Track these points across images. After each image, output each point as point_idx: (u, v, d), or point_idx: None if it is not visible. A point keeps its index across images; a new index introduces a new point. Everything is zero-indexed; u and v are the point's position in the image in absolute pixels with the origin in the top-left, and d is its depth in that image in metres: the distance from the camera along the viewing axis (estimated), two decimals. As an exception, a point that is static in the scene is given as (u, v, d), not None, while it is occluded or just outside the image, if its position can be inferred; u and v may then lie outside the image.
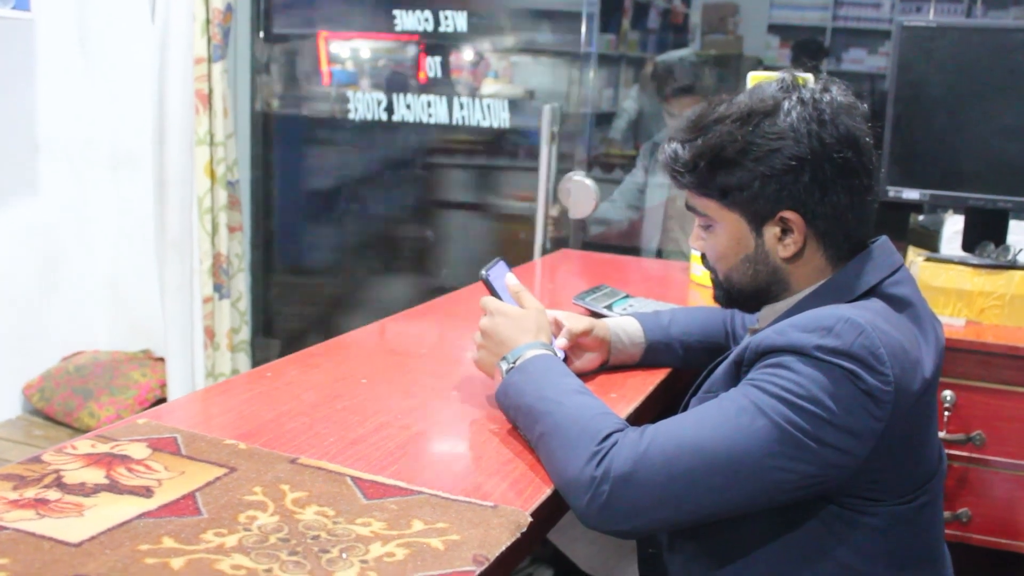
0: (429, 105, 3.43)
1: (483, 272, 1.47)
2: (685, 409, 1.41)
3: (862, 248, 1.31)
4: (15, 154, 3.34)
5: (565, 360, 1.56)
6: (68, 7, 3.47)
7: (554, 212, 2.90)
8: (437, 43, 3.48)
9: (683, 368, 1.69)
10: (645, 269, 2.55)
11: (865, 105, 1.31)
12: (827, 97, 1.27)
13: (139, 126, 3.46)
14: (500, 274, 1.50)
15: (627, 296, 2.02)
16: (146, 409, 3.26)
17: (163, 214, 3.28)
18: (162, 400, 3.37)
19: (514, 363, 1.34)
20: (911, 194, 2.25)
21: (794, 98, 1.26)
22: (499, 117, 3.40)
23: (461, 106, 3.41)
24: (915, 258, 2.23)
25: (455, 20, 3.41)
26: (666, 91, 2.80)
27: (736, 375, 1.26)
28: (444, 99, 3.42)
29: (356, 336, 1.81)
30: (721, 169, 1.27)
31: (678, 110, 2.47)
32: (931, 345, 1.27)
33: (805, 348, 1.16)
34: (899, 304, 1.27)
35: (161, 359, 3.50)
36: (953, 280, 2.15)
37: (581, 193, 2.72)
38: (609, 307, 1.92)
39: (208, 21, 3.15)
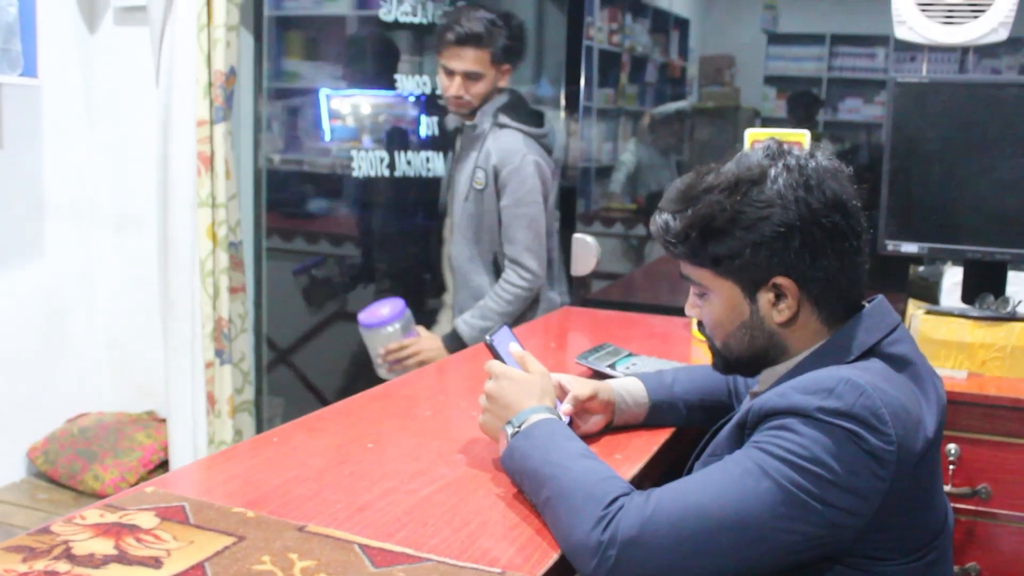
0: (428, 160, 3.48)
1: (488, 338, 1.48)
2: (690, 472, 1.41)
3: (858, 308, 1.33)
4: (21, 215, 3.37)
5: (570, 424, 1.56)
6: (74, 73, 3.53)
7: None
8: (434, 106, 3.54)
9: (687, 427, 1.70)
10: (647, 326, 2.56)
11: (850, 168, 1.33)
12: (812, 163, 1.29)
13: (143, 188, 3.49)
14: (504, 340, 1.51)
15: (630, 355, 2.03)
16: (151, 471, 3.28)
17: (166, 276, 3.30)
18: (166, 462, 3.36)
19: (519, 427, 1.35)
20: (909, 247, 2.27)
21: (780, 165, 1.28)
22: None
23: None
24: (915, 311, 2.24)
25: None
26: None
27: (739, 438, 1.27)
28: (441, 154, 3.47)
29: (361, 399, 1.82)
30: (712, 239, 1.30)
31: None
32: (932, 404, 1.28)
33: (807, 410, 1.17)
34: (899, 363, 1.28)
35: (165, 420, 3.50)
36: (954, 333, 2.16)
37: (582, 250, 2.74)
38: (612, 366, 1.93)
39: (210, 84, 3.20)
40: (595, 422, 1.63)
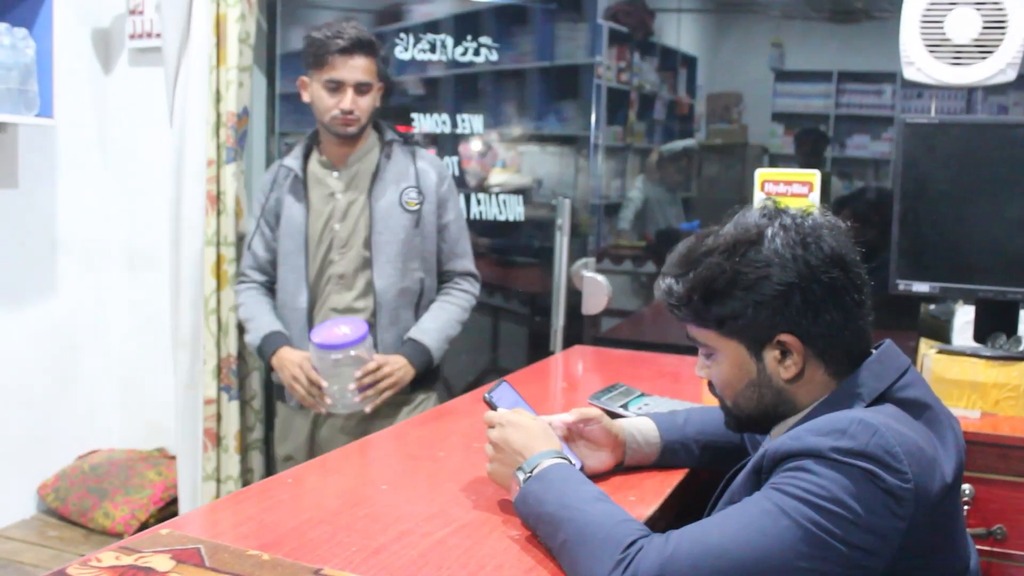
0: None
1: (486, 395, 1.49)
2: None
3: (865, 356, 1.33)
4: (34, 253, 3.39)
5: (581, 469, 1.57)
6: (89, 113, 3.57)
7: None
8: (451, 144, 3.57)
9: (699, 468, 1.70)
10: (659, 365, 2.56)
11: (848, 223, 1.34)
12: (809, 220, 1.31)
13: (156, 227, 3.52)
14: (504, 396, 1.52)
15: (642, 395, 2.03)
16: (161, 509, 3.27)
17: (177, 313, 3.32)
18: (176, 499, 3.36)
19: (531, 472, 1.36)
20: (920, 287, 2.28)
21: (777, 225, 1.30)
22: (514, 211, 3.46)
23: (479, 201, 3.49)
24: (927, 350, 2.24)
25: (472, 123, 3.50)
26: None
27: (756, 483, 1.27)
28: (461, 195, 3.48)
29: (375, 440, 1.83)
30: (714, 301, 1.32)
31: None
32: (950, 447, 1.28)
33: (821, 451, 1.17)
34: (913, 408, 1.28)
35: (175, 457, 3.50)
36: (967, 372, 2.16)
37: (593, 289, 2.75)
38: (625, 406, 1.93)
39: (220, 124, 3.23)
40: (603, 459, 1.63)
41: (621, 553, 1.17)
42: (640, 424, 1.69)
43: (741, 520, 1.17)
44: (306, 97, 2.58)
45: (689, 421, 1.71)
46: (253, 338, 2.64)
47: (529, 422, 1.45)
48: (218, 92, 3.23)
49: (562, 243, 3.03)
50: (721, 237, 1.33)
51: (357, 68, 2.50)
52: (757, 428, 1.42)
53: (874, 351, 1.34)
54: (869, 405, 1.28)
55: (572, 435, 1.62)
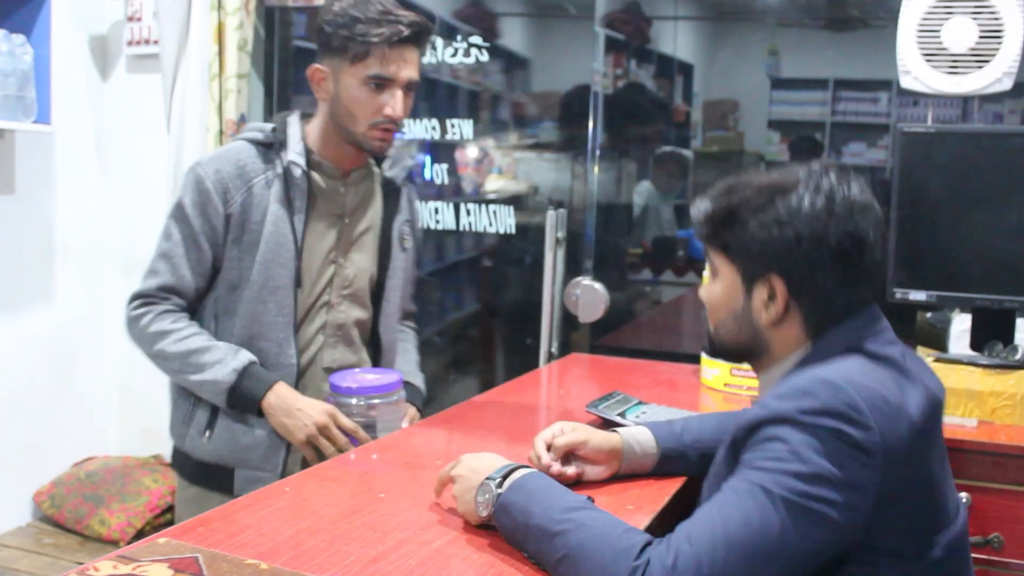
0: (437, 211, 3.48)
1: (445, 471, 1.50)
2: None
3: (848, 314, 1.37)
4: (31, 260, 3.39)
5: (575, 481, 1.58)
6: (86, 120, 3.57)
7: None
8: (444, 151, 3.56)
9: (698, 475, 1.70)
10: (655, 373, 2.56)
11: (880, 209, 1.39)
12: (843, 192, 1.35)
13: (152, 233, 3.50)
14: None
15: (640, 403, 2.03)
16: (157, 516, 3.26)
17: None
18: (172, 507, 3.35)
19: (501, 480, 1.35)
20: (917, 295, 2.28)
21: (812, 184, 1.36)
22: (505, 223, 3.44)
23: (468, 212, 3.47)
24: (924, 358, 2.24)
25: (461, 128, 3.49)
26: None
27: (734, 456, 1.30)
28: (451, 205, 3.48)
29: (371, 448, 1.82)
30: (729, 224, 1.40)
31: None
32: (920, 391, 1.31)
33: (787, 415, 1.22)
34: (879, 360, 1.32)
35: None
36: (963, 381, 2.16)
37: (590, 297, 2.75)
38: (623, 415, 1.93)
39: (221, 132, 3.23)
40: (600, 472, 1.63)
41: (634, 562, 1.17)
42: (637, 433, 1.69)
43: (726, 508, 1.19)
44: (323, 93, 1.99)
45: (687, 429, 1.71)
46: (220, 373, 1.91)
47: (481, 453, 1.46)
48: (220, 101, 3.23)
49: (556, 256, 2.98)
50: (763, 176, 1.41)
51: (412, 63, 1.96)
52: (728, 358, 1.52)
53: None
54: (837, 356, 1.32)
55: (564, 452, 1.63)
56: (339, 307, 2.07)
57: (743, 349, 1.45)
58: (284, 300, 1.98)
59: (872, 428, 1.20)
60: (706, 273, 1.50)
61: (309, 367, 2.07)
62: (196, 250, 1.96)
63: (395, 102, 1.94)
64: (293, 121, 2.03)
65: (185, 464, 2.08)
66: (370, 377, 1.96)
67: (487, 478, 1.37)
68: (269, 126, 2.02)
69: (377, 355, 2.18)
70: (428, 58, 3.46)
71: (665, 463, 1.68)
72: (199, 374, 1.93)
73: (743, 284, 1.40)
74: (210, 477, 2.04)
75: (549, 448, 1.60)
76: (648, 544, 1.20)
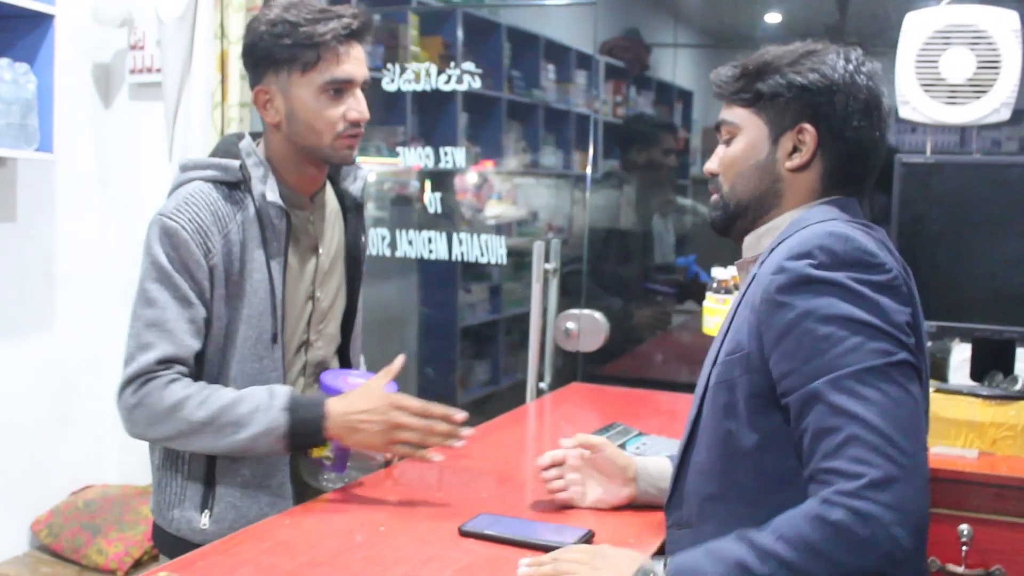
0: (430, 241, 3.47)
1: (463, 527, 1.52)
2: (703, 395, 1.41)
3: (856, 185, 1.42)
4: (32, 288, 3.39)
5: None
6: (88, 147, 3.58)
7: None
8: (439, 179, 3.56)
9: None
10: (654, 403, 2.56)
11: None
12: (869, 66, 1.41)
13: (154, 260, 3.52)
14: (484, 525, 1.53)
15: (640, 434, 2.03)
16: (155, 546, 3.24)
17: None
18: (171, 535, 3.34)
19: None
20: (918, 325, 2.28)
21: (842, 52, 1.40)
22: (496, 253, 3.43)
23: (460, 242, 3.46)
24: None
25: (454, 156, 3.49)
26: None
27: (763, 313, 1.28)
28: (444, 235, 3.47)
29: (372, 479, 1.82)
30: (763, 76, 1.41)
31: None
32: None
33: (814, 276, 1.24)
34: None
35: (171, 492, 3.49)
36: (964, 412, 2.16)
37: (590, 327, 2.74)
38: (623, 447, 1.93)
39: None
40: (617, 493, 1.65)
41: (848, 521, 1.13)
42: (655, 460, 1.69)
43: (853, 416, 1.17)
44: (273, 115, 1.77)
45: None
46: (270, 419, 1.66)
47: (595, 549, 1.37)
48: (222, 128, 3.25)
49: (546, 288, 2.94)
50: (793, 44, 1.43)
51: (363, 60, 1.78)
52: (742, 220, 1.46)
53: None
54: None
55: (580, 466, 1.63)
56: (316, 344, 1.90)
57: (758, 200, 1.43)
58: (276, 353, 1.79)
59: (889, 267, 1.25)
60: (720, 147, 1.48)
61: None
62: (188, 308, 1.71)
63: (359, 104, 1.76)
64: (251, 149, 1.78)
65: (178, 550, 1.65)
66: (361, 382, 1.79)
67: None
68: (233, 163, 1.75)
69: None
70: (423, 84, 3.47)
71: None
72: (244, 430, 1.65)
73: (770, 135, 1.41)
74: None
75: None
76: (825, 501, 1.15)
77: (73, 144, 3.45)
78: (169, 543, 1.81)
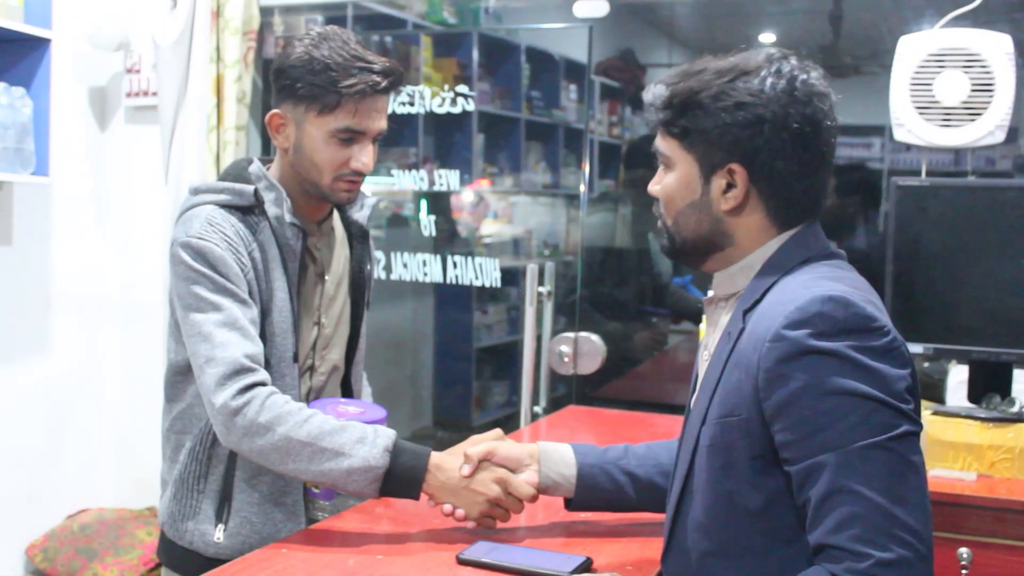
0: (425, 264, 3.46)
1: (461, 555, 1.50)
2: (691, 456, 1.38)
3: (809, 213, 1.37)
4: (28, 311, 3.39)
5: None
6: (84, 170, 3.58)
7: None
8: (434, 202, 3.56)
9: (627, 505, 1.68)
10: (650, 425, 2.55)
11: (839, 97, 1.39)
12: (804, 77, 1.34)
13: (150, 284, 3.52)
14: (482, 553, 1.52)
15: (638, 458, 2.02)
16: (151, 570, 3.23)
17: (172, 371, 3.29)
18: (167, 559, 3.32)
19: None
20: (914, 348, 2.28)
21: (774, 68, 1.33)
22: (491, 276, 3.42)
23: (454, 265, 3.45)
24: (922, 412, 2.24)
25: (448, 179, 3.50)
26: None
27: (763, 382, 1.25)
28: (439, 258, 3.46)
29: (367, 506, 1.81)
30: (689, 110, 1.35)
31: None
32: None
33: (813, 347, 1.20)
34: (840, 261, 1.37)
35: (167, 516, 3.48)
36: (962, 434, 2.16)
37: (588, 349, 2.74)
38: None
39: (220, 182, 3.25)
40: (525, 479, 1.64)
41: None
42: (556, 447, 1.68)
43: (864, 487, 1.16)
44: (284, 141, 1.79)
45: (612, 448, 1.70)
46: (370, 456, 1.59)
47: None
48: (217, 151, 3.25)
49: (539, 311, 2.93)
50: (722, 61, 1.37)
51: (383, 112, 1.79)
52: (691, 257, 1.43)
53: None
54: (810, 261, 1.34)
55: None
56: (320, 370, 1.90)
57: (703, 242, 1.39)
58: (291, 376, 1.79)
59: (890, 331, 1.23)
60: (659, 173, 1.43)
61: None
62: (249, 309, 1.70)
63: (364, 155, 1.76)
64: (262, 173, 1.79)
65: (188, 563, 1.76)
66: (352, 410, 1.75)
67: None
68: (247, 188, 1.76)
69: None
70: (416, 107, 3.48)
71: (587, 479, 1.66)
72: (344, 461, 1.59)
73: (701, 173, 1.36)
74: None
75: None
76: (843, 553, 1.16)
77: (69, 167, 3.45)
78: (178, 556, 1.81)
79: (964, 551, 2.00)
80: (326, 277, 1.89)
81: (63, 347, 3.52)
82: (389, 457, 1.60)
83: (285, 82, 1.74)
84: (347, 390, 1.99)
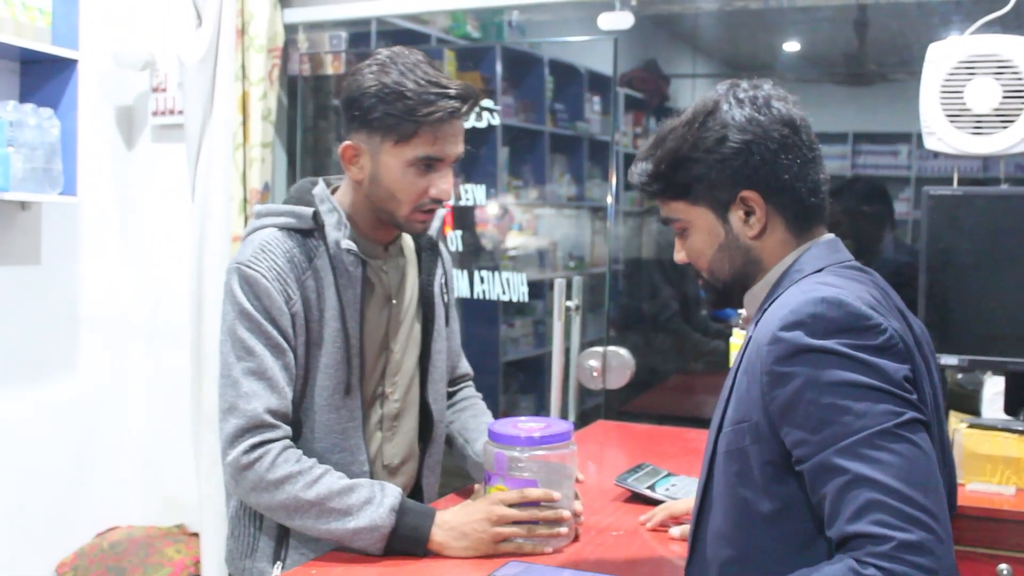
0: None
1: None
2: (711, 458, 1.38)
3: (819, 216, 1.40)
4: (56, 330, 3.40)
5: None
6: (111, 189, 3.60)
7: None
8: (459, 216, 3.55)
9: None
10: (682, 440, 2.52)
11: (796, 97, 1.41)
12: (760, 91, 1.39)
13: (176, 302, 3.53)
14: (513, 575, 1.50)
15: (669, 474, 2.00)
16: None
17: (200, 389, 3.31)
18: (196, 577, 3.33)
19: None
20: (949, 360, 2.25)
21: (731, 96, 1.38)
22: (518, 291, 3.40)
23: (481, 280, 3.44)
24: (958, 425, 2.20)
25: (474, 193, 3.49)
26: None
27: (765, 384, 1.26)
28: (465, 273, 3.45)
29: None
30: (680, 168, 1.39)
31: None
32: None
33: (810, 345, 1.21)
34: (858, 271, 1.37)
35: (195, 534, 3.48)
36: (1000, 448, 2.12)
37: (616, 363, 2.71)
38: (652, 487, 1.91)
39: (245, 200, 3.26)
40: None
41: None
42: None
43: (875, 478, 1.16)
44: (358, 172, 1.73)
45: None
46: (376, 516, 1.62)
47: None
48: (244, 169, 3.26)
49: (567, 325, 2.91)
50: (682, 115, 1.41)
51: (461, 135, 1.74)
52: (735, 296, 1.46)
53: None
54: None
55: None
56: (392, 397, 1.85)
57: (740, 276, 1.42)
58: (353, 403, 1.76)
59: (883, 326, 1.22)
60: (677, 241, 1.46)
61: (372, 468, 1.83)
62: (282, 356, 1.69)
63: (444, 182, 1.71)
64: (325, 196, 1.76)
65: None
66: (534, 426, 1.71)
67: None
68: (307, 211, 1.73)
69: (427, 428, 1.93)
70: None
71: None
72: (350, 521, 1.61)
73: (718, 216, 1.40)
74: None
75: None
76: (857, 561, 1.15)
77: (96, 186, 3.47)
78: None
79: (1004, 567, 1.96)
80: (394, 301, 1.84)
81: (90, 365, 3.53)
82: (395, 517, 1.62)
83: (357, 112, 1.68)
84: (425, 413, 1.93)
